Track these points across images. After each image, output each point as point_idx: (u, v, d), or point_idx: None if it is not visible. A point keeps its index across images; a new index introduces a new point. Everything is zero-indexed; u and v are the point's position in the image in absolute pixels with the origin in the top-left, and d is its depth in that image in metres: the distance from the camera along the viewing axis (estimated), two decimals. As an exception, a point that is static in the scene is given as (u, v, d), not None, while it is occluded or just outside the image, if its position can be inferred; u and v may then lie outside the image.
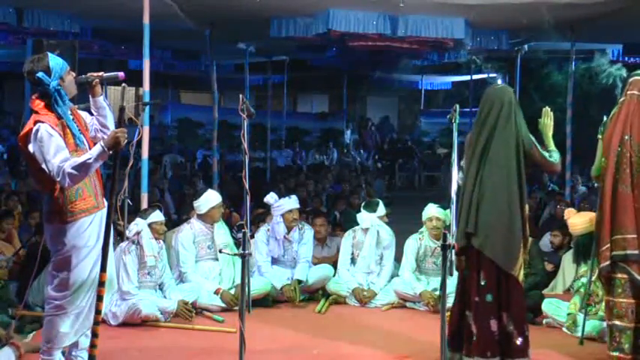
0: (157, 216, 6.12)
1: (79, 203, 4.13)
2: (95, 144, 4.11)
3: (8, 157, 14.38)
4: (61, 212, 4.10)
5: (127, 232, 6.06)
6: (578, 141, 10.00)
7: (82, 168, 3.95)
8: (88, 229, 4.17)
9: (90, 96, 4.30)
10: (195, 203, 6.66)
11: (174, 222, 8.25)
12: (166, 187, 11.32)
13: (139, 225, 5.98)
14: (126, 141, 4.02)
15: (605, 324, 5.50)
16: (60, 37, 9.56)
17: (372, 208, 6.97)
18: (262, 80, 16.95)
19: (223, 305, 6.31)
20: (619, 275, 4.85)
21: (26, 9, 9.14)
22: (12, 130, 15.85)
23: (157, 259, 6.08)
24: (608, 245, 4.89)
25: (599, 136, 5.25)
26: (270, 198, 6.88)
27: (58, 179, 3.95)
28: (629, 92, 4.98)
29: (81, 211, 4.14)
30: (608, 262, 4.88)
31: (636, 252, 4.80)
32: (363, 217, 6.91)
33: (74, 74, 4.29)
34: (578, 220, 5.92)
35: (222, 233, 6.66)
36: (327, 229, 7.63)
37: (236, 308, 6.18)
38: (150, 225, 6.04)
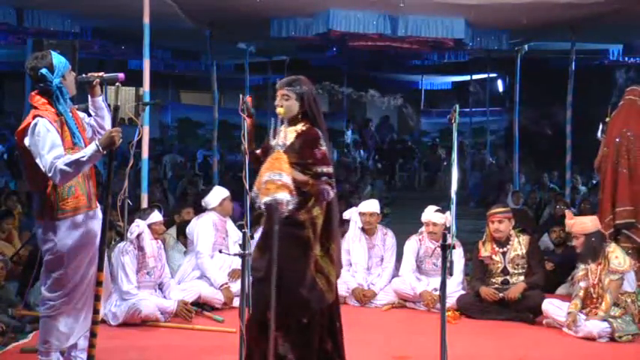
0: (156, 216, 6.10)
1: (70, 201, 4.12)
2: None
3: (8, 157, 14.37)
4: (52, 209, 4.08)
5: (127, 234, 6.02)
6: (578, 141, 9.99)
7: (75, 165, 3.94)
8: (79, 228, 4.15)
9: (89, 96, 4.30)
10: (205, 200, 6.72)
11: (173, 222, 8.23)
12: (167, 187, 11.34)
13: (140, 226, 5.97)
14: (121, 140, 4.00)
15: (604, 324, 5.58)
16: (60, 37, 9.57)
17: (356, 204, 7.39)
18: (262, 80, 16.95)
19: (226, 300, 6.39)
20: (623, 245, 6.04)
21: (26, 9, 9.14)
22: (12, 130, 15.83)
23: (157, 259, 6.09)
24: (612, 216, 6.34)
25: (603, 135, 6.68)
26: None
27: (50, 175, 3.94)
28: (627, 97, 6.59)
29: (72, 209, 4.12)
30: (612, 229, 6.29)
31: (633, 220, 6.29)
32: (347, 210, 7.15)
33: (74, 74, 4.30)
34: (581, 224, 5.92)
35: (233, 229, 6.74)
36: None
37: (236, 304, 6.19)
38: (149, 225, 6.04)
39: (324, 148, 4.15)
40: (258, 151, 4.32)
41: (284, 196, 3.82)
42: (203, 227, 6.57)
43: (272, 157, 3.99)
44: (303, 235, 4.05)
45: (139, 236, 5.93)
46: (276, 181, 3.84)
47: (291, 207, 3.85)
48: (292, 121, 4.21)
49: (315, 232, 4.09)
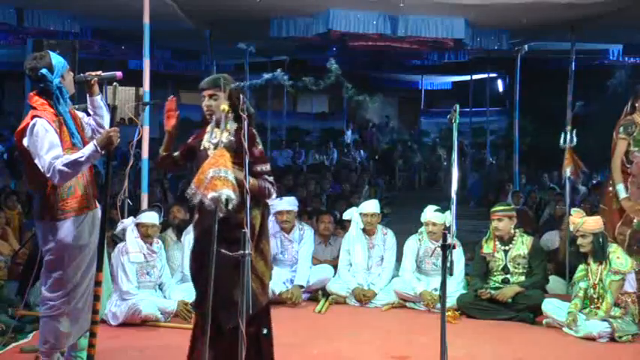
0: (148, 217, 6.04)
1: (70, 201, 4.13)
2: None
3: (8, 157, 14.38)
4: (52, 209, 4.09)
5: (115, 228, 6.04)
6: (578, 141, 9.98)
7: (73, 166, 3.94)
8: (79, 228, 4.15)
9: (87, 95, 4.30)
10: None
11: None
12: (167, 187, 11.34)
13: (124, 222, 5.95)
14: (119, 140, 4.01)
15: (604, 324, 5.57)
16: (60, 37, 9.57)
17: (356, 204, 7.49)
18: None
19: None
20: None
21: (26, 9, 9.15)
22: (12, 130, 15.81)
23: (150, 258, 6.04)
24: None
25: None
26: None
27: (49, 175, 3.95)
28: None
29: (72, 210, 4.13)
30: None
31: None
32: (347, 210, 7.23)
33: (72, 74, 4.30)
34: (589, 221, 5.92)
35: None
36: (333, 226, 7.72)
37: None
38: (138, 224, 6.01)
39: (260, 146, 4.08)
40: (176, 154, 4.35)
41: (229, 193, 3.66)
42: (189, 245, 6.47)
43: (215, 154, 3.81)
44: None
45: (123, 231, 5.92)
46: (222, 178, 3.68)
47: (230, 207, 3.66)
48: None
49: (252, 233, 3.94)
